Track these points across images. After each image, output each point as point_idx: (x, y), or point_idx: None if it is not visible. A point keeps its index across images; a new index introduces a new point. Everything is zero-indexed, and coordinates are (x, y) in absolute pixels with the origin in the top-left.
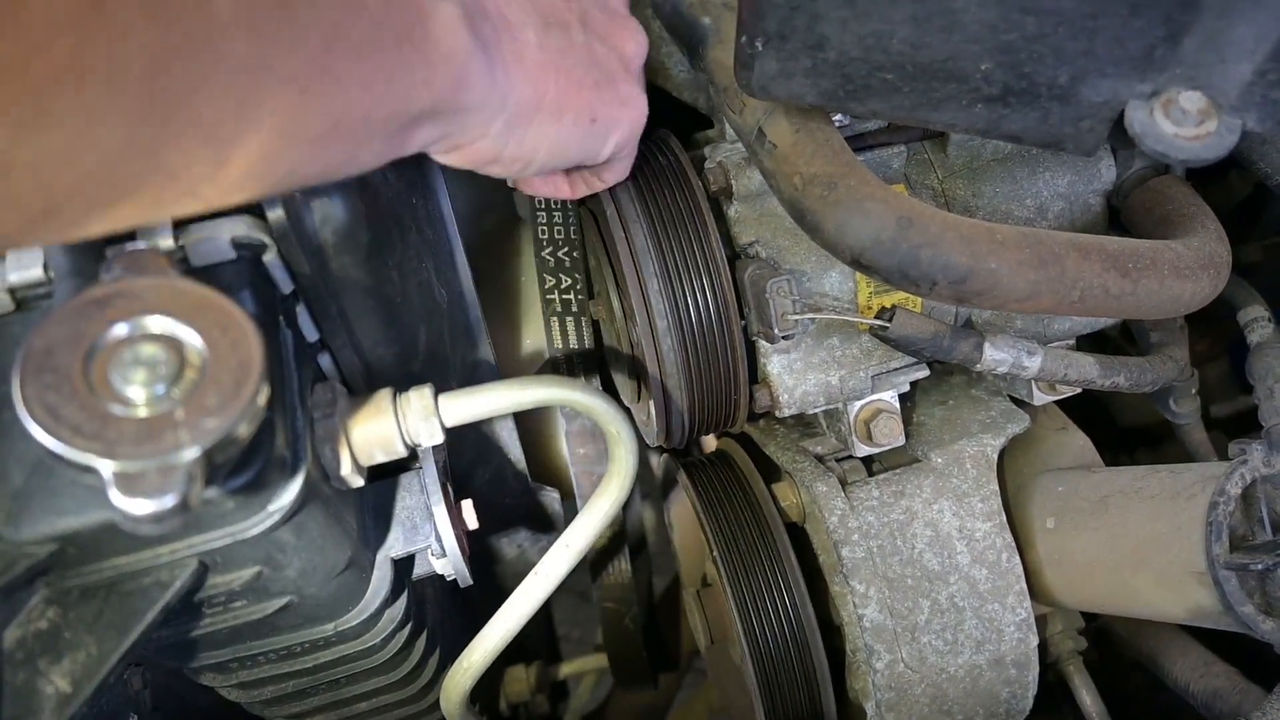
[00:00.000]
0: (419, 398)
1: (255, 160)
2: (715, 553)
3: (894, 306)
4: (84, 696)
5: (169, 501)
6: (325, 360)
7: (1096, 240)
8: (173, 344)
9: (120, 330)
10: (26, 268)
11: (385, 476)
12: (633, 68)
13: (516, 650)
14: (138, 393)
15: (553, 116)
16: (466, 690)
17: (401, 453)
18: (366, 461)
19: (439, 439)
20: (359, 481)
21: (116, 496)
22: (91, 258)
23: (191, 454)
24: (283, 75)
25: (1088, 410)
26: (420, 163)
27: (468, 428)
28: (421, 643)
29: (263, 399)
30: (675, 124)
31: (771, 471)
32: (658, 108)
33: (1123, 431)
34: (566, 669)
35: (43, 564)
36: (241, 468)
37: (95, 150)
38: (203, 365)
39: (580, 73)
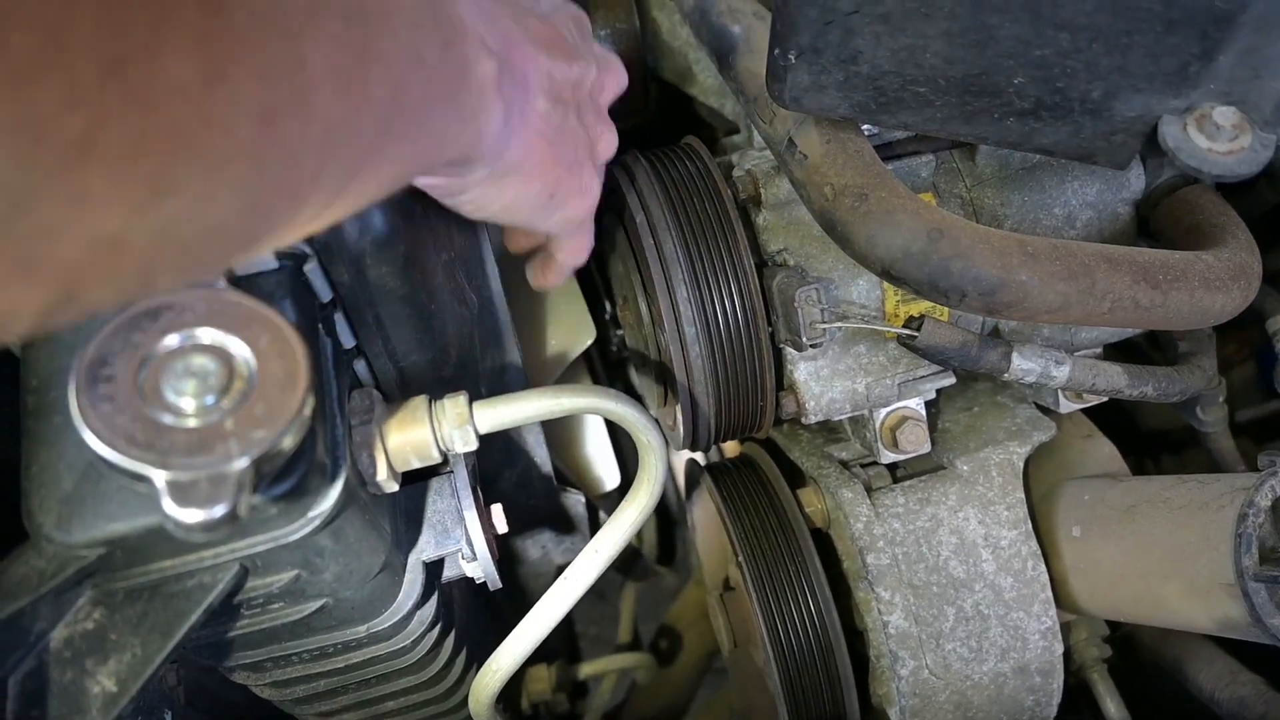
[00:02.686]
0: (453, 405)
1: (338, 213)
2: (740, 557)
3: (922, 315)
4: (130, 696)
5: (219, 511)
6: (360, 367)
7: (1127, 252)
8: (222, 355)
9: (171, 341)
10: None
11: (416, 480)
12: (599, 162)
13: (538, 649)
14: (188, 403)
15: (524, 180)
16: (494, 693)
17: (436, 459)
18: (402, 467)
19: (473, 446)
20: (394, 487)
21: (169, 505)
22: None
23: (241, 464)
24: (360, 130)
25: (1110, 416)
26: None
27: (497, 432)
28: (449, 644)
29: (309, 410)
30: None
31: (795, 477)
32: (687, 115)
33: (1146, 437)
34: (587, 669)
35: (91, 566)
36: (285, 475)
37: (205, 220)
38: (251, 376)
39: (561, 151)
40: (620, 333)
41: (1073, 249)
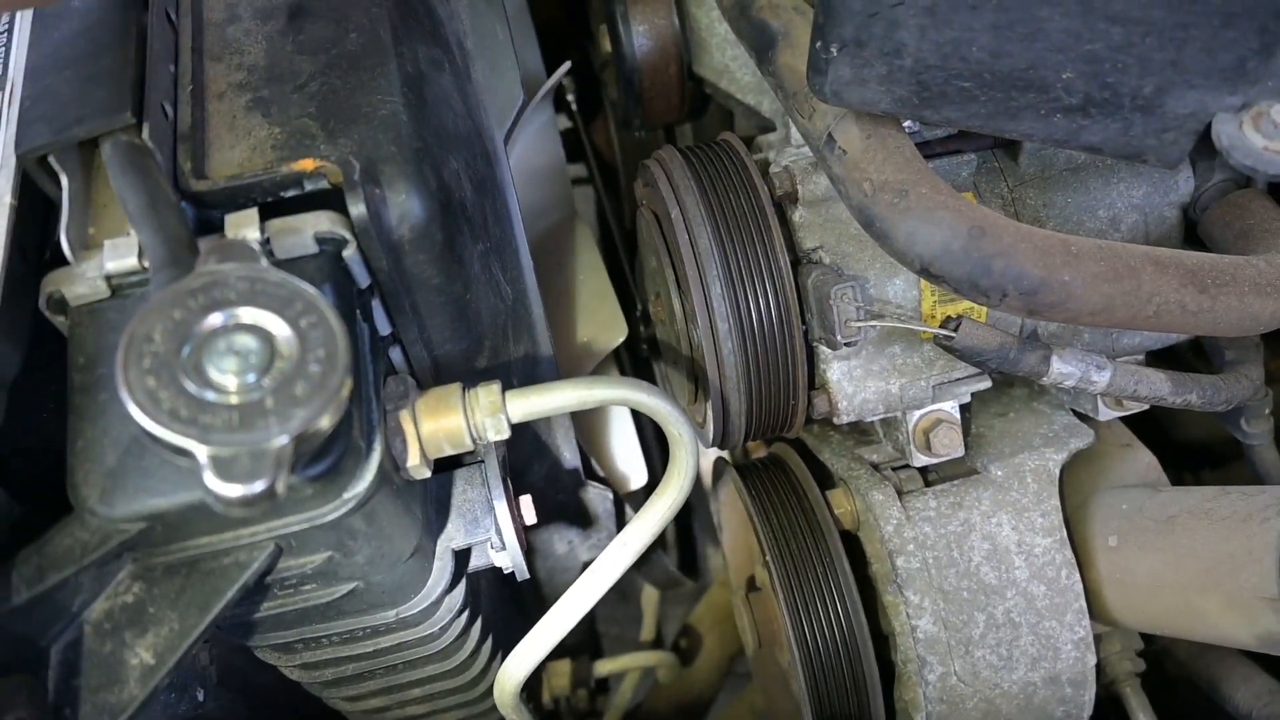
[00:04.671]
0: (487, 394)
1: None
2: (768, 557)
3: (959, 316)
4: (166, 669)
5: (258, 486)
6: (396, 354)
7: (1174, 254)
8: (264, 335)
9: (215, 320)
10: (122, 257)
11: (447, 468)
12: None
13: (560, 645)
14: (230, 381)
15: None
16: (520, 683)
17: (468, 446)
18: (434, 454)
19: (505, 434)
20: (426, 473)
21: (210, 480)
22: (184, 247)
23: (281, 441)
24: None
25: (1147, 427)
26: (491, 163)
27: (526, 423)
28: (476, 633)
29: (347, 391)
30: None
31: (825, 478)
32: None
33: (1186, 449)
34: (609, 666)
35: (132, 540)
36: (322, 456)
37: None
38: (292, 356)
39: None
40: (650, 330)
41: (1118, 250)
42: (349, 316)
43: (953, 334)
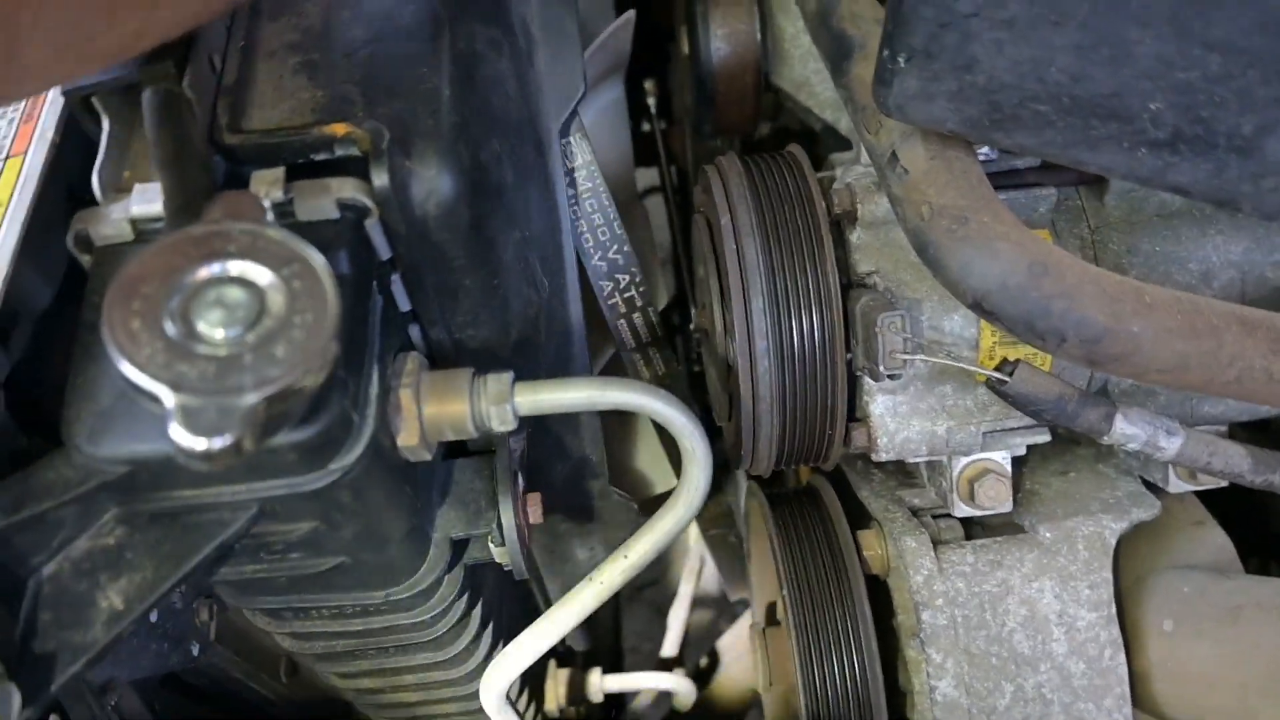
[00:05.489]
0: (496, 382)
1: None
2: (785, 591)
3: (1018, 360)
4: (133, 616)
5: (221, 442)
6: (415, 333)
7: (1267, 316)
8: (255, 291)
9: (208, 270)
10: (149, 202)
11: (461, 456)
12: None
13: (577, 654)
14: (214, 333)
15: None
16: (505, 685)
17: (471, 433)
18: (435, 436)
19: (510, 425)
20: (425, 455)
21: (175, 429)
22: (202, 198)
23: (251, 399)
24: None
25: (1235, 506)
26: (541, 152)
27: (552, 421)
28: (473, 627)
29: (329, 357)
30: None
31: (861, 517)
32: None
33: (1276, 538)
34: (618, 683)
35: (115, 483)
36: (307, 422)
37: None
38: (279, 315)
39: None
40: (698, 336)
41: (1200, 304)
42: (363, 286)
43: (1007, 379)
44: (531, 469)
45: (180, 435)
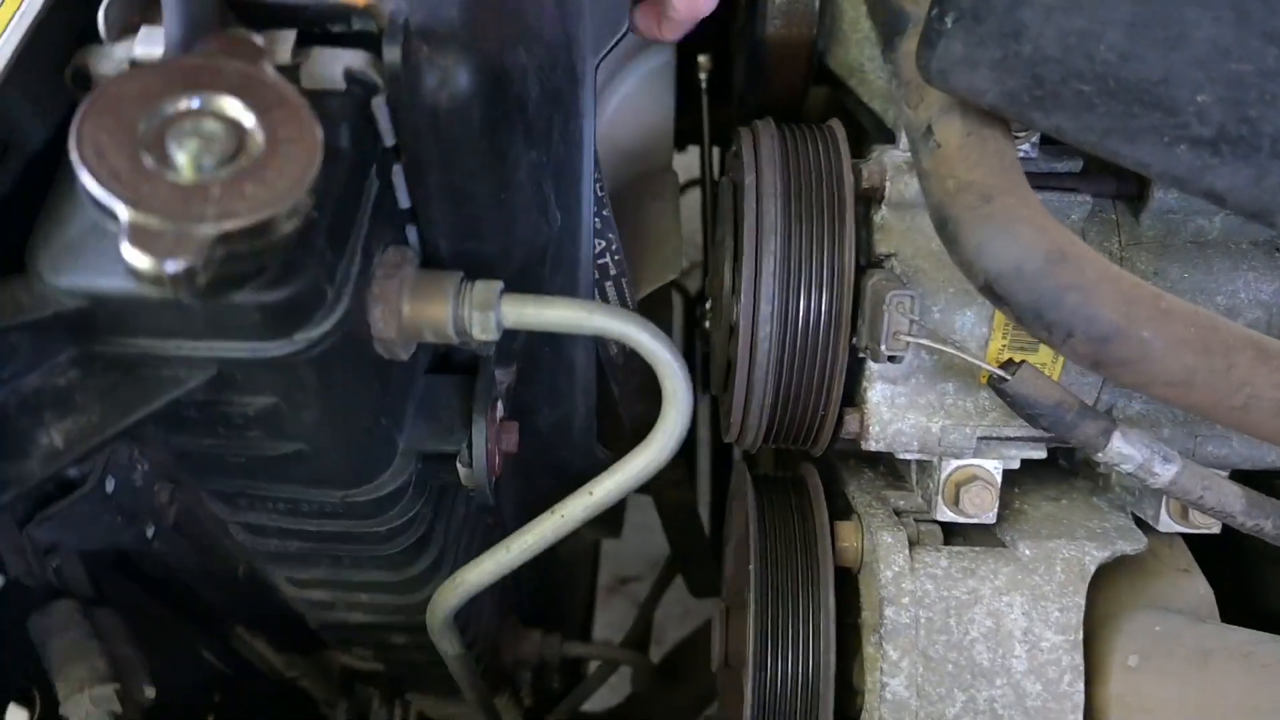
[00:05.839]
0: (485, 288)
1: None
2: (753, 565)
3: (1022, 362)
4: (70, 457)
5: (172, 266)
6: (414, 236)
7: None
8: (236, 129)
9: (191, 101)
10: (153, 45)
11: (447, 373)
12: None
13: (544, 617)
14: (185, 161)
15: None
16: (452, 607)
17: (451, 338)
18: (414, 335)
19: (492, 335)
20: (402, 354)
21: (126, 247)
22: (203, 36)
23: (209, 230)
24: None
25: (1221, 564)
26: (573, 81)
27: (544, 363)
28: (433, 553)
29: (301, 209)
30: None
31: (845, 512)
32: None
33: (1266, 616)
34: (578, 649)
35: (72, 318)
36: (274, 283)
37: None
38: (257, 157)
39: None
40: (707, 305)
41: (1217, 323)
42: (360, 166)
43: (1008, 377)
44: (520, 410)
45: (131, 254)
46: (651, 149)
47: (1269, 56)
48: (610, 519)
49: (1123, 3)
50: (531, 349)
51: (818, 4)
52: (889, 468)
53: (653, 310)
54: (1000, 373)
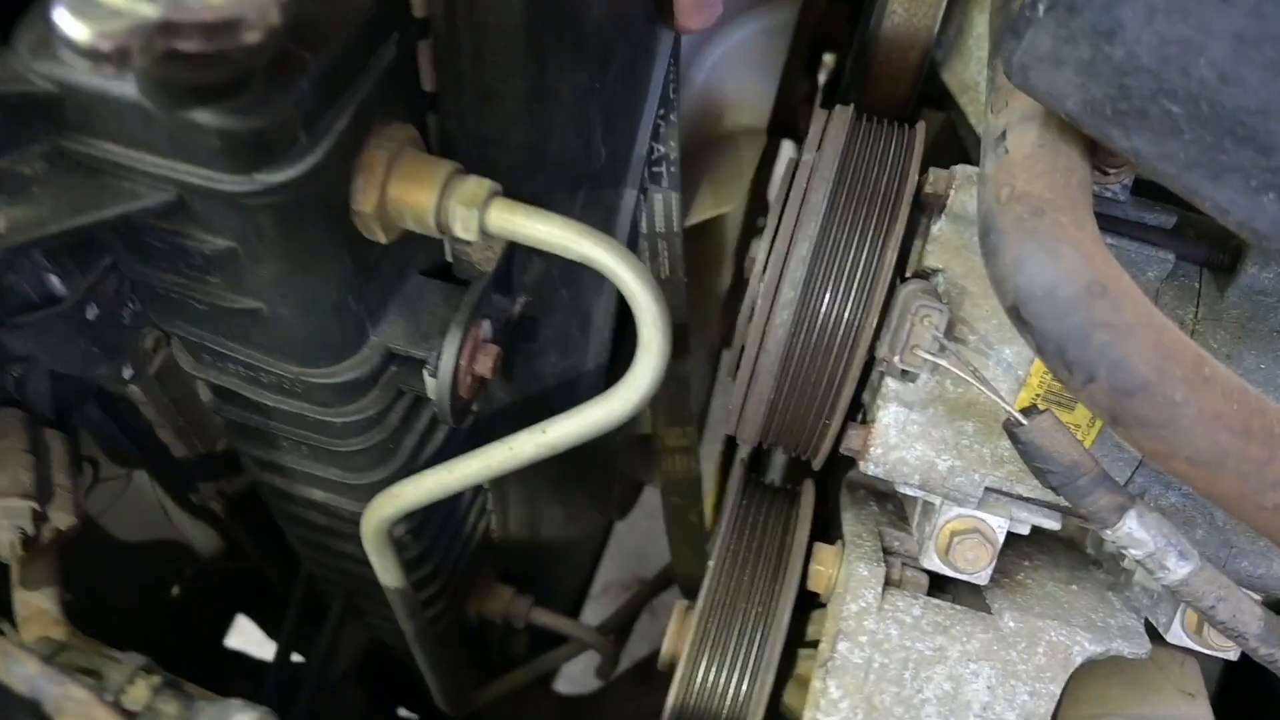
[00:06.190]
0: (476, 185)
1: None
2: (712, 562)
3: (1046, 410)
4: (10, 245)
5: (105, 44)
6: (433, 122)
7: None
8: None
9: None
10: None
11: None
12: None
13: (521, 580)
14: None
15: None
16: (387, 519)
17: (432, 229)
18: (395, 217)
19: (472, 235)
20: (380, 234)
21: (61, 11)
22: None
23: (150, 12)
24: None
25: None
26: (649, 16)
27: (561, 307)
28: (392, 467)
29: (264, 20)
30: None
31: (835, 538)
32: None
33: None
34: (544, 618)
35: (42, 103)
36: (239, 109)
37: None
38: None
39: None
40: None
41: (1268, 406)
42: (376, 27)
43: (1024, 421)
44: (527, 351)
45: (65, 19)
46: (747, 103)
47: None
48: (610, 495)
49: (1234, 13)
50: (547, 286)
51: (942, 9)
52: (898, 508)
53: (700, 242)
54: (1018, 415)
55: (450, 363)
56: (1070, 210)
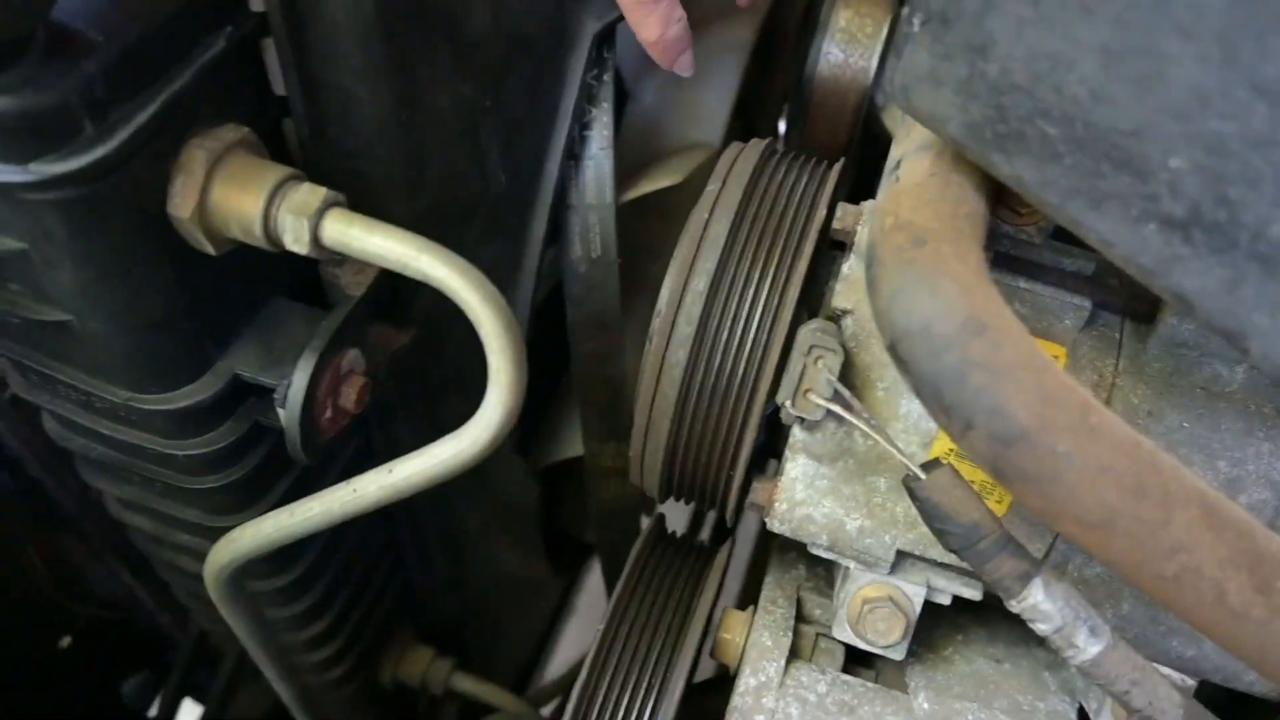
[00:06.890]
0: (310, 192)
1: None
2: (602, 626)
3: (948, 464)
4: None
5: None
6: (291, 133)
7: (1248, 522)
8: None
9: None
10: None
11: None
12: None
13: (459, 643)
14: None
15: None
16: (224, 567)
17: (259, 240)
18: (219, 225)
19: (303, 248)
20: (206, 245)
21: None
22: None
23: None
24: None
25: None
26: (556, 35)
27: (458, 343)
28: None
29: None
30: None
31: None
32: None
33: None
34: (465, 684)
35: None
36: (7, 91)
37: None
38: None
39: None
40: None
41: (1164, 466)
42: (201, 13)
43: (921, 476)
44: (424, 391)
45: None
46: (699, 119)
47: (1256, 116)
48: (539, 549)
49: (1098, 23)
50: (441, 317)
51: (879, 50)
52: (828, 572)
53: (643, 220)
54: (915, 469)
55: (300, 392)
56: (954, 241)
